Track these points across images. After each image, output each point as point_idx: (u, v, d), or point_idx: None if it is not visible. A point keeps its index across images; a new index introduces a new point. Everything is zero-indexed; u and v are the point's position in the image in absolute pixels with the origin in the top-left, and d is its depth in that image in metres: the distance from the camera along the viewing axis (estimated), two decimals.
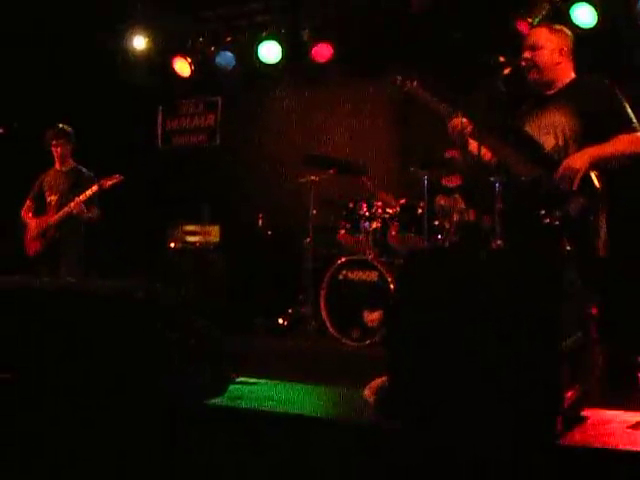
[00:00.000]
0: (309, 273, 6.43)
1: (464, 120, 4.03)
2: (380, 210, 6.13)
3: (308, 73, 7.75)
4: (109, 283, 3.68)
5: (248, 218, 7.44)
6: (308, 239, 6.50)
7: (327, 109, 7.86)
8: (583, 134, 3.81)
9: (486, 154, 4.09)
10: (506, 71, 4.27)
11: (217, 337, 3.46)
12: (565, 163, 3.74)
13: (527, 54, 4.00)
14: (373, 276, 5.83)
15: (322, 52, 7.40)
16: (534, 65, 3.98)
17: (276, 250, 7.22)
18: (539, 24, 4.10)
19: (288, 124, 8.03)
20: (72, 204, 6.14)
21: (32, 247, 6.32)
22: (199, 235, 7.11)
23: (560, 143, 3.85)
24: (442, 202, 6.07)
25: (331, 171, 6.42)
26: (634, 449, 2.52)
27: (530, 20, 6.15)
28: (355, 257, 6.01)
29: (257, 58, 7.55)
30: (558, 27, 4.10)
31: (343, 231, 6.32)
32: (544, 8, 6.15)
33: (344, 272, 5.97)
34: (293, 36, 7.49)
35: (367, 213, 6.13)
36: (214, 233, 7.10)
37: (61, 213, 6.21)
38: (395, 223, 6.11)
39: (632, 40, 5.96)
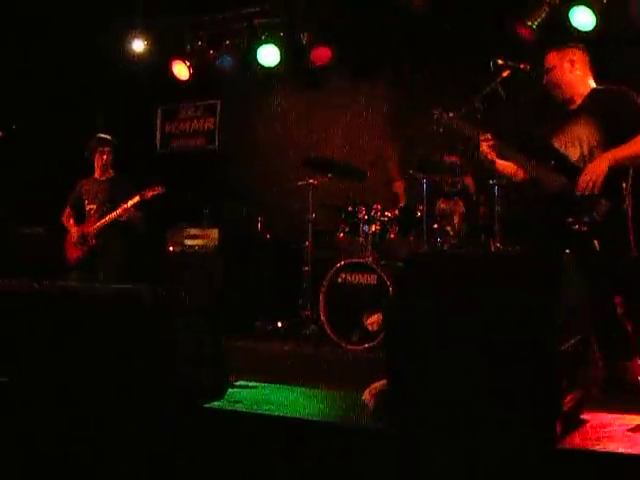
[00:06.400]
0: (308, 276, 6.42)
1: (490, 143, 4.18)
2: (379, 213, 6.13)
3: (307, 76, 7.76)
4: (111, 286, 3.69)
5: (247, 221, 7.43)
6: (307, 242, 6.49)
7: (326, 112, 7.87)
8: (606, 142, 3.97)
9: (518, 173, 4.32)
10: (504, 74, 4.35)
11: (217, 340, 3.46)
12: (586, 169, 3.92)
13: (545, 79, 4.23)
14: (372, 279, 5.83)
15: (321, 55, 7.41)
16: (553, 85, 4.20)
17: (275, 253, 7.22)
18: (548, 49, 4.27)
19: (287, 127, 8.04)
20: (118, 211, 6.22)
21: (73, 254, 6.42)
22: (198, 238, 7.11)
23: (585, 152, 4.03)
24: (443, 206, 6.09)
25: (329, 175, 6.43)
26: (633, 452, 2.52)
27: (529, 23, 6.17)
28: (354, 260, 6.01)
29: (256, 61, 7.56)
30: (567, 45, 4.29)
31: (342, 234, 6.32)
32: (543, 11, 6.16)
33: (343, 275, 5.96)
34: (291, 39, 7.49)
35: (366, 216, 6.12)
36: (213, 236, 7.10)
37: (102, 221, 6.29)
38: (394, 226, 6.12)
39: (630, 43, 5.97)
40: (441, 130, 4.39)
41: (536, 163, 4.18)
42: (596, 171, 3.88)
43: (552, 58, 4.21)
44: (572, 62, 4.16)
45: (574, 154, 4.06)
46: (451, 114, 4.40)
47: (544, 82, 4.23)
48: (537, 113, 4.44)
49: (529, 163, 4.21)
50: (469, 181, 6.14)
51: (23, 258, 6.57)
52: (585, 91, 4.16)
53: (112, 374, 3.19)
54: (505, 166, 4.34)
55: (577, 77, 4.17)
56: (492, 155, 4.26)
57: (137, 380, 3.15)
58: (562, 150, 4.10)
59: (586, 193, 3.89)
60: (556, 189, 4.06)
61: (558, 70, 4.17)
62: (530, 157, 4.20)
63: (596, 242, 3.84)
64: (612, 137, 3.95)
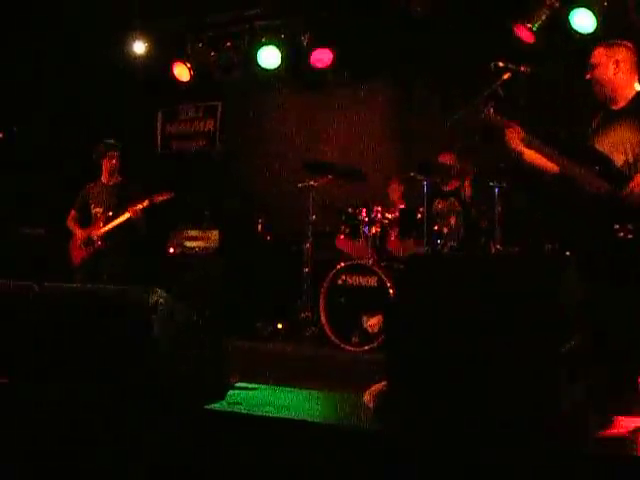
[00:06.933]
0: (308, 278, 6.43)
1: (517, 133, 4.12)
2: (379, 215, 6.13)
3: (307, 77, 7.77)
4: (110, 287, 3.69)
5: (248, 223, 7.44)
6: (308, 244, 6.50)
7: (326, 113, 7.87)
8: None
9: (548, 167, 4.19)
10: (505, 76, 4.32)
11: (217, 342, 3.47)
12: (636, 178, 3.84)
13: (588, 75, 4.11)
14: (372, 281, 5.83)
15: (321, 58, 7.41)
16: (595, 82, 4.08)
17: (276, 255, 7.22)
18: (598, 44, 4.19)
19: (287, 128, 8.04)
20: (127, 214, 6.27)
21: (78, 256, 6.45)
22: (199, 240, 7.11)
23: (629, 159, 3.94)
24: (440, 206, 6.09)
25: (330, 177, 6.43)
26: (634, 454, 2.52)
27: (529, 25, 6.17)
28: (354, 262, 6.01)
29: (256, 63, 7.57)
30: (615, 42, 4.16)
31: (342, 236, 6.32)
32: (544, 13, 6.17)
33: (343, 277, 5.96)
34: (292, 41, 7.50)
35: (366, 218, 6.13)
36: (213, 238, 7.10)
37: (111, 225, 6.35)
38: (394, 228, 6.12)
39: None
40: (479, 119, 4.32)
41: (575, 163, 4.06)
42: None
43: (599, 55, 4.09)
44: (617, 63, 4.04)
45: (618, 160, 3.96)
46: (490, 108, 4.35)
47: (587, 77, 4.10)
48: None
49: (566, 162, 4.09)
50: (466, 184, 6.14)
51: (24, 259, 6.59)
52: (630, 94, 4.05)
53: (112, 375, 3.19)
54: (534, 158, 4.20)
55: (621, 79, 4.05)
56: (518, 145, 4.18)
57: (137, 381, 3.15)
58: (608, 155, 4.00)
59: (634, 202, 3.81)
60: (599, 193, 3.96)
61: (602, 68, 4.05)
62: (568, 156, 4.10)
63: None
64: None
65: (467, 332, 2.74)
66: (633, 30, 5.91)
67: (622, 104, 4.07)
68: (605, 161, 4.00)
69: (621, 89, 4.07)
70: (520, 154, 4.19)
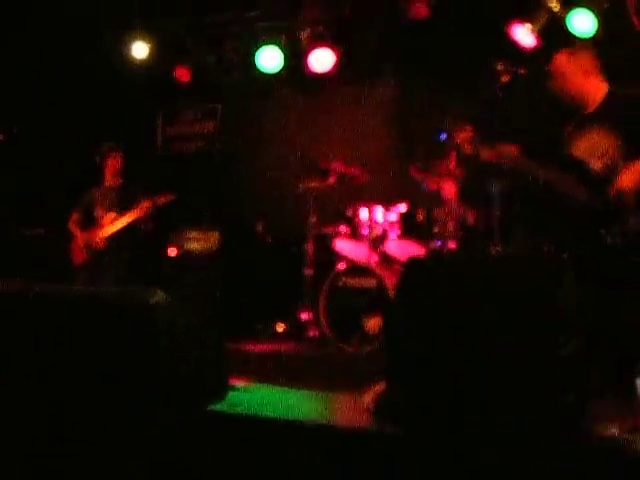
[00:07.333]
0: (309, 279, 6.43)
1: (468, 135, 4.13)
2: (380, 216, 6.13)
3: (308, 78, 7.76)
4: (111, 288, 3.69)
5: (248, 224, 7.44)
6: (308, 245, 6.50)
7: (327, 114, 7.87)
8: (629, 152, 3.88)
9: (502, 160, 4.21)
10: (504, 78, 4.33)
11: (218, 343, 3.47)
12: (617, 182, 3.83)
13: (552, 83, 4.09)
14: (372, 283, 5.82)
15: (321, 59, 7.38)
16: (560, 90, 4.08)
17: (276, 256, 7.23)
18: (558, 51, 4.14)
19: (288, 129, 8.04)
20: (129, 216, 6.32)
21: (80, 257, 6.48)
22: (198, 241, 7.11)
23: (607, 163, 3.93)
24: (438, 211, 6.08)
25: (331, 177, 6.43)
26: (633, 454, 2.52)
27: (530, 27, 6.17)
28: (354, 264, 6.01)
29: (257, 65, 7.57)
30: (576, 48, 4.16)
31: (342, 237, 6.32)
32: (543, 16, 6.17)
33: (344, 279, 5.96)
34: (293, 42, 7.50)
35: (367, 219, 6.13)
36: (213, 239, 7.10)
37: (114, 227, 6.39)
38: (395, 230, 6.12)
39: (632, 48, 5.97)
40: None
41: (553, 170, 4.07)
42: (629, 184, 3.79)
43: (561, 63, 4.08)
44: (584, 69, 4.03)
45: (596, 164, 3.95)
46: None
47: (550, 85, 4.10)
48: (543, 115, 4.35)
49: (543, 171, 4.10)
50: (449, 186, 6.09)
51: (24, 259, 6.60)
52: (599, 97, 4.05)
53: (113, 376, 3.19)
54: (490, 155, 4.22)
55: (590, 83, 4.05)
56: (469, 148, 4.18)
57: (137, 382, 3.15)
58: (584, 160, 3.99)
59: (618, 206, 3.81)
60: (579, 199, 3.97)
61: (569, 77, 4.04)
62: (544, 163, 4.09)
63: (632, 256, 3.77)
64: (634, 146, 3.84)
65: (467, 333, 2.74)
66: (633, 33, 5.91)
67: (593, 108, 4.05)
68: (583, 167, 3.99)
69: (590, 94, 4.05)
70: (477, 155, 4.20)
